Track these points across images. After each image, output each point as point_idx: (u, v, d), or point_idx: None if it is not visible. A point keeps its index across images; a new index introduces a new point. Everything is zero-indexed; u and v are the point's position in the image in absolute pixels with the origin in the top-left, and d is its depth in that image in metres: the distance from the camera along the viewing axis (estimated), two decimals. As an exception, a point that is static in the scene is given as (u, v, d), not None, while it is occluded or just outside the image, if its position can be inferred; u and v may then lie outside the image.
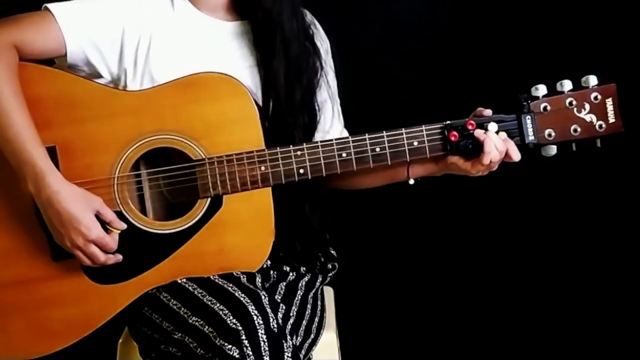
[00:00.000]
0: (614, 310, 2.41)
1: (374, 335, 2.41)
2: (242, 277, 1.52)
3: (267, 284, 1.58)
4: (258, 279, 1.54)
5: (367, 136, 1.54)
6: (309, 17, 1.71)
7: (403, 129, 1.54)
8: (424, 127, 1.55)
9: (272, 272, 1.62)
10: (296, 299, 1.61)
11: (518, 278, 2.44)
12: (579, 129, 1.55)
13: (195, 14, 1.65)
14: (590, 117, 1.55)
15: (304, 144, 1.54)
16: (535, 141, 1.54)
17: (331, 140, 1.55)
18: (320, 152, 1.54)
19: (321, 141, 1.55)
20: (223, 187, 1.53)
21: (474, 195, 1.58)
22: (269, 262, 1.63)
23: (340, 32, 1.76)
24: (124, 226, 1.51)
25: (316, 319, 1.66)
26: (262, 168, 1.53)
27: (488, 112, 1.56)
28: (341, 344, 1.77)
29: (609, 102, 1.55)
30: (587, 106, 1.55)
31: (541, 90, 1.55)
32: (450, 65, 2.29)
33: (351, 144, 1.54)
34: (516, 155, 1.53)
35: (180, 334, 1.44)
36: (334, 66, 1.76)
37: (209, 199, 1.53)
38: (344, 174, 1.57)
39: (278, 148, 1.53)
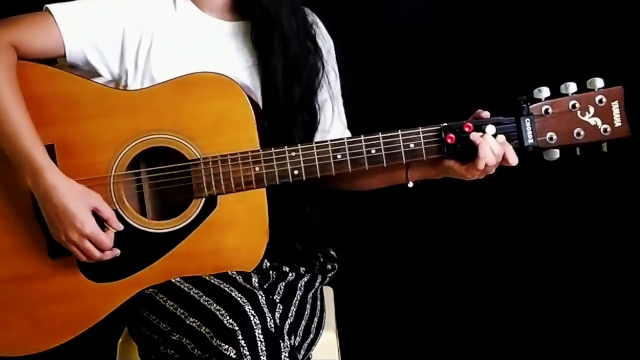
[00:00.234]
0: (615, 314, 2.39)
1: (374, 335, 2.40)
2: (238, 277, 1.52)
3: (267, 285, 1.58)
4: (255, 280, 1.54)
5: (362, 138, 1.52)
6: (311, 16, 1.70)
7: (399, 130, 1.51)
8: (420, 130, 1.51)
9: (271, 272, 1.62)
10: (295, 299, 1.60)
11: (518, 279, 2.43)
12: (582, 133, 1.50)
13: (198, 15, 1.65)
14: (595, 121, 1.50)
15: (299, 145, 1.53)
16: (535, 144, 1.50)
17: (326, 141, 1.53)
18: (315, 153, 1.52)
19: (316, 142, 1.53)
20: (218, 187, 1.53)
21: (474, 196, 1.56)
22: (268, 263, 1.63)
23: (340, 32, 1.75)
24: (121, 227, 1.52)
25: (316, 319, 1.66)
26: (257, 169, 1.53)
27: (487, 114, 1.52)
28: (341, 344, 1.77)
29: (615, 106, 1.49)
30: (592, 109, 1.50)
31: (544, 92, 1.50)
32: (450, 65, 2.27)
33: (346, 146, 1.52)
34: (513, 160, 1.49)
35: (178, 336, 1.44)
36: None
37: (204, 199, 1.53)
38: (342, 175, 1.55)
39: (273, 149, 1.52)
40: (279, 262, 1.65)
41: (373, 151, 1.52)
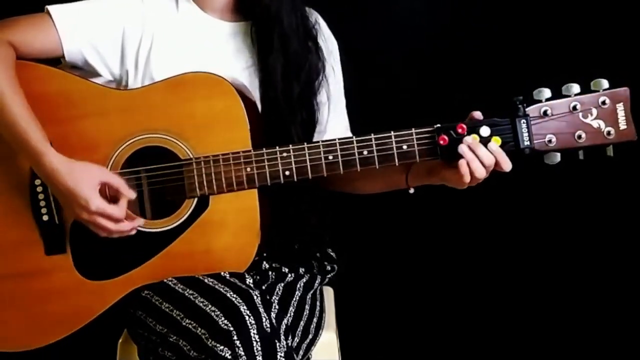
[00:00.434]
0: (615, 316, 2.36)
1: (374, 335, 2.40)
2: (232, 277, 1.51)
3: (265, 285, 1.58)
4: (249, 280, 1.53)
5: (354, 138, 1.49)
6: (313, 16, 1.68)
7: (392, 131, 1.48)
8: (413, 130, 1.47)
9: (270, 273, 1.61)
10: (294, 299, 1.60)
11: (517, 279, 2.41)
12: (584, 136, 1.43)
13: (199, 15, 1.65)
14: (597, 123, 1.43)
15: (290, 145, 1.51)
16: (532, 147, 1.44)
17: (318, 142, 1.51)
18: (307, 154, 1.50)
19: (307, 143, 1.51)
20: (209, 187, 1.52)
21: (474, 196, 1.53)
22: (267, 264, 1.62)
23: (341, 32, 1.73)
24: (134, 194, 1.50)
25: (315, 319, 1.65)
26: (248, 169, 1.52)
27: (478, 114, 1.47)
28: (341, 344, 1.76)
29: (620, 108, 1.42)
30: (595, 111, 1.43)
31: (544, 93, 1.43)
32: (450, 65, 2.24)
33: (338, 147, 1.49)
34: (507, 166, 1.44)
35: (174, 337, 1.45)
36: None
37: (196, 199, 1.53)
38: (336, 177, 1.53)
39: (264, 149, 1.51)
40: (278, 263, 1.64)
41: (365, 152, 1.49)
